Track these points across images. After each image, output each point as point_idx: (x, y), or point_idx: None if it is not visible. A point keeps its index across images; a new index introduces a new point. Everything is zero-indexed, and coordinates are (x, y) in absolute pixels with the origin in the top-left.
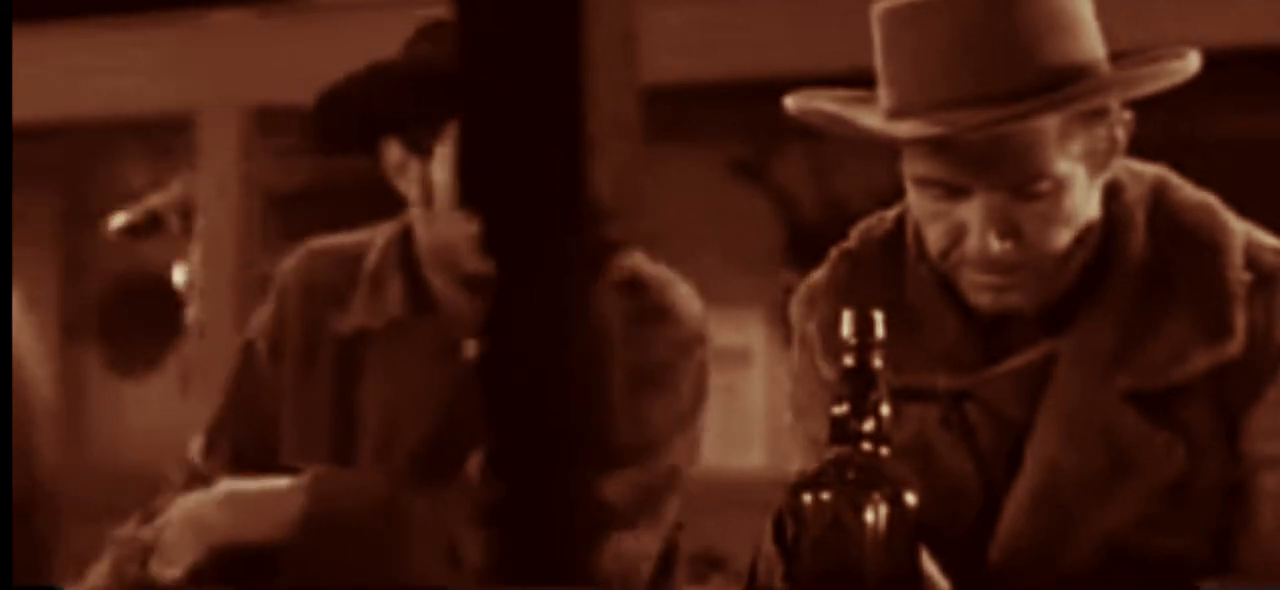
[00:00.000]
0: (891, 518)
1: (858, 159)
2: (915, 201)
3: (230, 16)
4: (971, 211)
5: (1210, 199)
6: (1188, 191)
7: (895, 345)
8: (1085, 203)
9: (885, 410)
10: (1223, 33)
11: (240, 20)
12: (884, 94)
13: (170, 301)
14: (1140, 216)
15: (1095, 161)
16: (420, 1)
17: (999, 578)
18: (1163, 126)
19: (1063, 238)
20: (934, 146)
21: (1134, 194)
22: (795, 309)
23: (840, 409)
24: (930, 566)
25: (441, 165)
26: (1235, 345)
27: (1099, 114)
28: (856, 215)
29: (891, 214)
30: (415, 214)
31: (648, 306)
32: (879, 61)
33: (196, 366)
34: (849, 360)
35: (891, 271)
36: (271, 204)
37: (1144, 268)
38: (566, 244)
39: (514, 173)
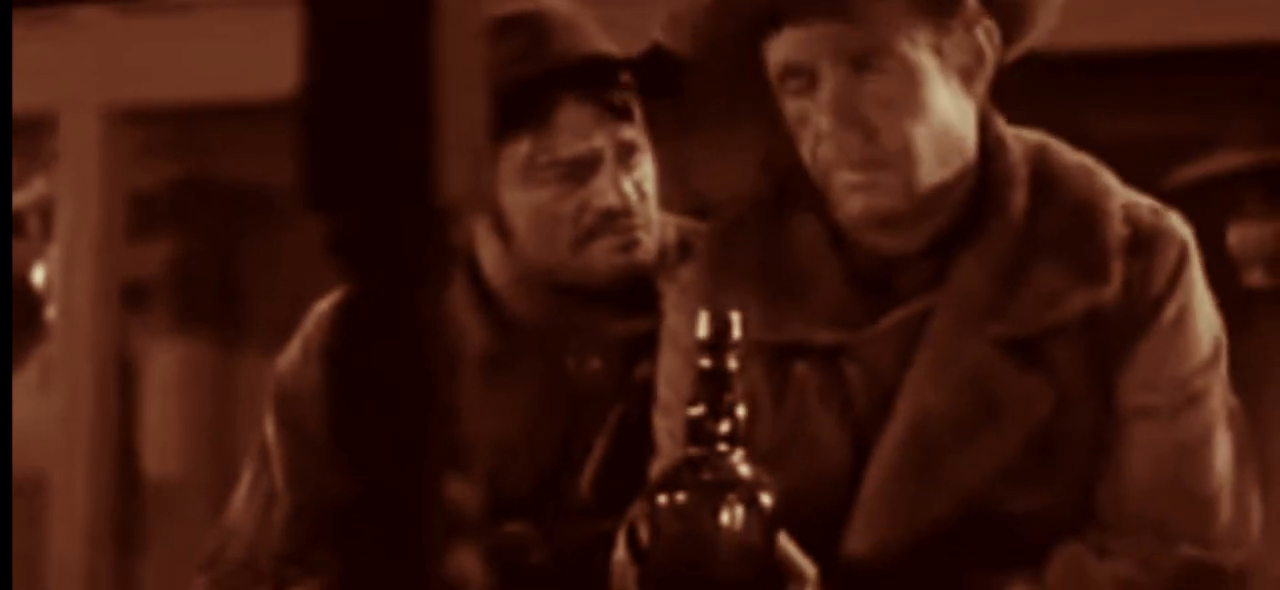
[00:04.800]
0: (747, 519)
1: (719, 159)
2: (788, 113)
3: (90, 14)
4: (823, 90)
5: (1090, 161)
6: (1069, 154)
7: (777, 305)
8: (956, 118)
9: (741, 412)
10: (1102, 35)
11: (100, 18)
12: None
13: (30, 302)
14: (1023, 174)
15: (962, 74)
16: (278, 1)
17: (861, 534)
18: (1040, 128)
19: (917, 135)
20: (788, 29)
21: (1017, 153)
22: (667, 303)
23: (696, 410)
24: (792, 550)
25: (509, 187)
26: (1111, 291)
27: (953, 12)
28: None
29: (766, 180)
30: (482, 237)
31: None
32: None
33: (56, 367)
34: (705, 362)
35: (768, 236)
36: (133, 204)
37: (1024, 222)
38: (417, 246)
39: (362, 174)
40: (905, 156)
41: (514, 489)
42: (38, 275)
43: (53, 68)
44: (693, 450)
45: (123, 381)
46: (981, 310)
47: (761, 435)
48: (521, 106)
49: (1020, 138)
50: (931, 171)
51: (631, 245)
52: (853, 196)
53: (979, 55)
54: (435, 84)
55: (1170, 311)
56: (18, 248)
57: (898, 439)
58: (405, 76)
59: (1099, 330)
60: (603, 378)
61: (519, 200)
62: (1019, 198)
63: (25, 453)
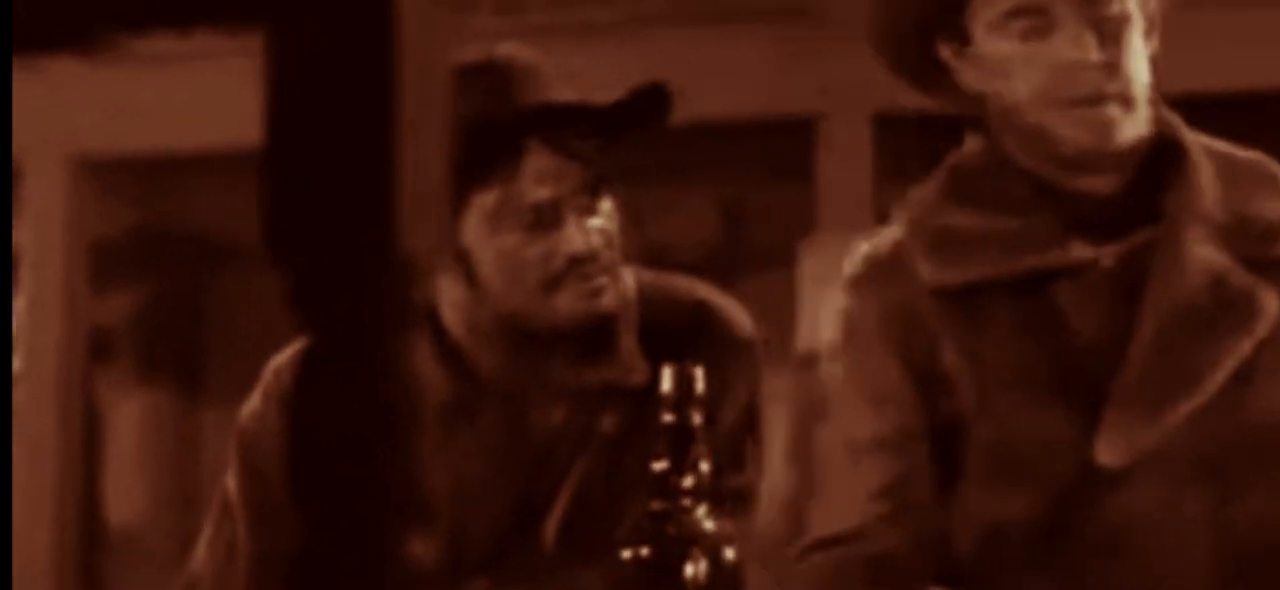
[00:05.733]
0: (711, 574)
1: (676, 207)
2: (997, 58)
3: (55, 63)
4: (1064, 28)
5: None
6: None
7: (989, 247)
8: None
9: (705, 466)
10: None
11: (65, 68)
12: None
13: None
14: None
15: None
16: (242, 51)
17: (1115, 440)
18: None
19: (1137, 75)
20: None
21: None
22: (846, 292)
23: (660, 465)
24: None
25: (477, 233)
26: None
27: None
28: (678, 266)
29: (930, 184)
30: (446, 286)
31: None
32: None
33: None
34: (669, 417)
35: (971, 197)
36: (97, 254)
37: (1212, 173)
38: (378, 299)
39: (325, 229)
40: (1130, 88)
41: (476, 542)
42: None
43: (17, 117)
44: (657, 505)
45: (87, 430)
46: (1209, 226)
47: (961, 375)
48: (490, 153)
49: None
50: (1140, 117)
51: (597, 292)
52: (1081, 128)
53: (1153, 20)
54: (398, 137)
55: None
56: None
57: (1147, 343)
58: (368, 129)
59: None
60: (566, 428)
61: (486, 246)
62: (1202, 157)
63: None
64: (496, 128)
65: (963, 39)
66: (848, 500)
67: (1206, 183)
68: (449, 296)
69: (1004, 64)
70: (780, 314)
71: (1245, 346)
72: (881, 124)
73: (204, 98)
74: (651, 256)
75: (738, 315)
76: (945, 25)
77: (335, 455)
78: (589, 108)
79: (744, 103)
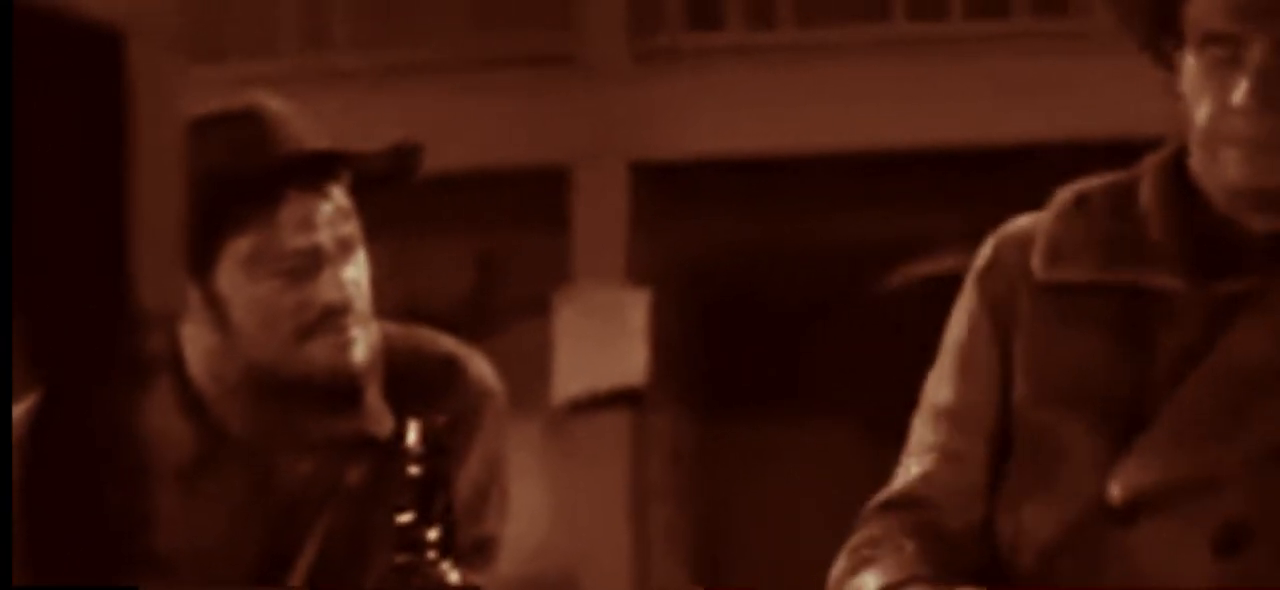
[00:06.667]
0: None
1: (431, 257)
2: (1194, 81)
3: None
4: (1246, 72)
5: None
6: None
7: (1106, 251)
8: None
9: (451, 518)
10: (828, 139)
11: None
12: None
13: None
14: None
15: None
16: None
17: (1137, 472)
18: (761, 229)
19: None
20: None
21: None
22: (989, 247)
23: (405, 518)
24: None
25: (230, 281)
26: None
27: None
28: (433, 317)
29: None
30: (191, 336)
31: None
32: None
33: None
34: (414, 469)
35: (1114, 205)
36: None
37: None
38: (108, 351)
39: (55, 280)
40: None
41: None
42: None
43: None
44: (402, 557)
45: None
46: None
47: (1022, 371)
48: (244, 201)
49: None
50: None
51: (349, 344)
52: (1243, 169)
53: None
54: (130, 188)
55: None
56: None
57: (1205, 381)
58: (98, 179)
59: None
60: (313, 481)
61: (240, 294)
62: None
63: None
64: (251, 175)
65: (1180, 42)
66: (914, 457)
67: None
68: (196, 346)
69: (1194, 82)
70: (535, 363)
71: None
72: (637, 172)
73: None
74: (406, 307)
75: (483, 368)
76: (1167, 23)
77: (68, 509)
78: (343, 155)
79: (499, 152)
